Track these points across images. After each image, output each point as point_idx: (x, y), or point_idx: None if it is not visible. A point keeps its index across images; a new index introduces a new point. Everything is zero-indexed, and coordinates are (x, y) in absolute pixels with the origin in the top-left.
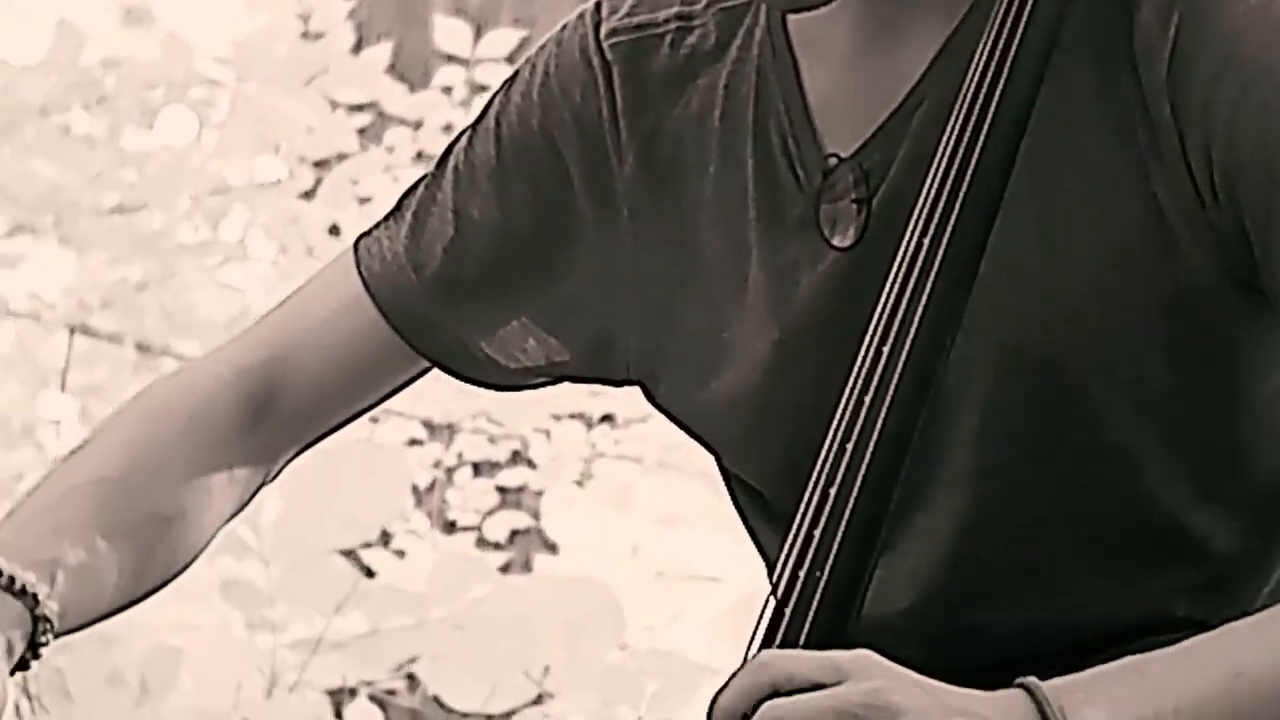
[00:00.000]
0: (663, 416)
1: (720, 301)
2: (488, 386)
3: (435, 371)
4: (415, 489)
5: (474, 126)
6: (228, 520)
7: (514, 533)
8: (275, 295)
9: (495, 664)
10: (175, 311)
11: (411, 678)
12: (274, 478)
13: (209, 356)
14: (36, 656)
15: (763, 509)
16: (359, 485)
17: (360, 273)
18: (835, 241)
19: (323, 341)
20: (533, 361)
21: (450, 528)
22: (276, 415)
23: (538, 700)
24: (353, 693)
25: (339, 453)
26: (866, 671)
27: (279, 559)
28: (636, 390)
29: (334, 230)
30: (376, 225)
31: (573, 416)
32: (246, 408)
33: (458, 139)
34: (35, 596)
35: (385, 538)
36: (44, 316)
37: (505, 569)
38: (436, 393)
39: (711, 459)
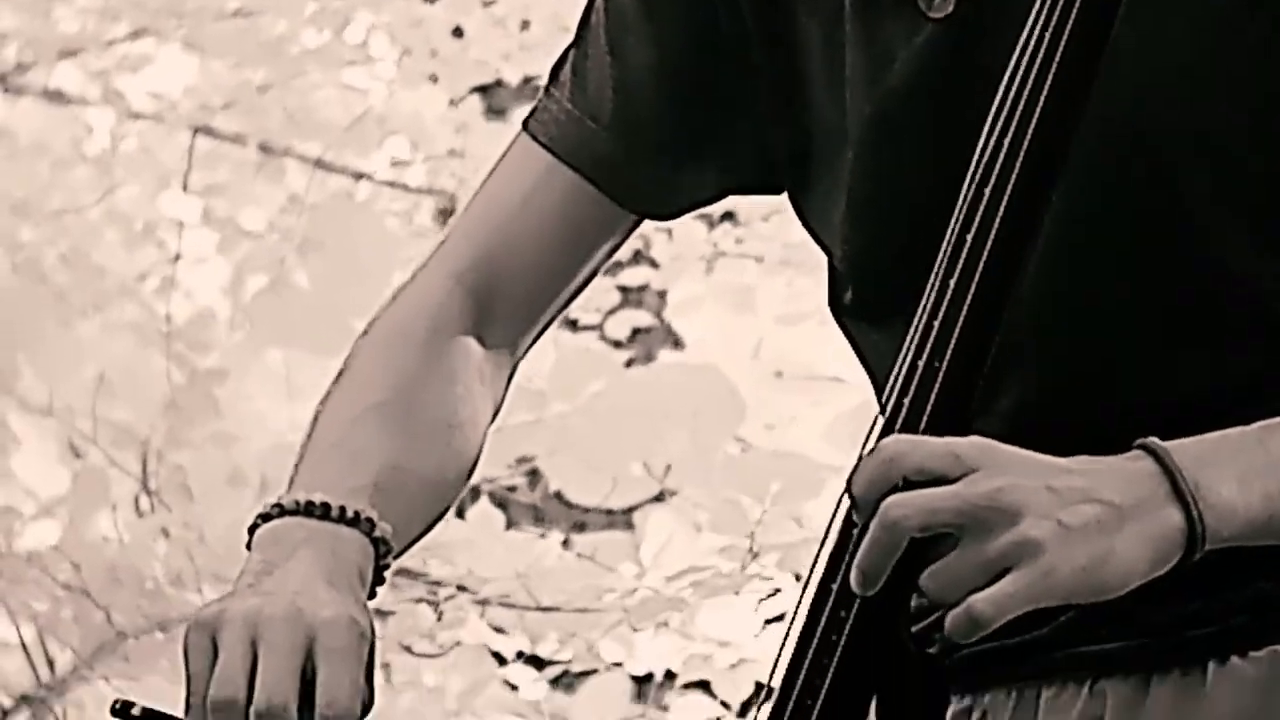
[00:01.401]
0: (785, 214)
1: (825, 94)
2: (671, 218)
3: None
4: None
5: None
6: (491, 421)
7: (635, 331)
8: (398, 98)
9: (616, 458)
10: (297, 113)
11: (533, 474)
12: (514, 370)
13: (422, 273)
14: (380, 582)
15: (870, 313)
16: None
17: (542, 143)
18: (933, 13)
19: (527, 223)
20: (709, 188)
21: (572, 326)
22: (503, 307)
23: (659, 497)
24: (474, 491)
25: None
26: (991, 465)
27: None
28: None
29: (457, 32)
30: (537, 103)
31: (694, 215)
32: (473, 309)
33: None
34: (370, 520)
35: None
36: (167, 118)
37: (627, 366)
38: None
39: None
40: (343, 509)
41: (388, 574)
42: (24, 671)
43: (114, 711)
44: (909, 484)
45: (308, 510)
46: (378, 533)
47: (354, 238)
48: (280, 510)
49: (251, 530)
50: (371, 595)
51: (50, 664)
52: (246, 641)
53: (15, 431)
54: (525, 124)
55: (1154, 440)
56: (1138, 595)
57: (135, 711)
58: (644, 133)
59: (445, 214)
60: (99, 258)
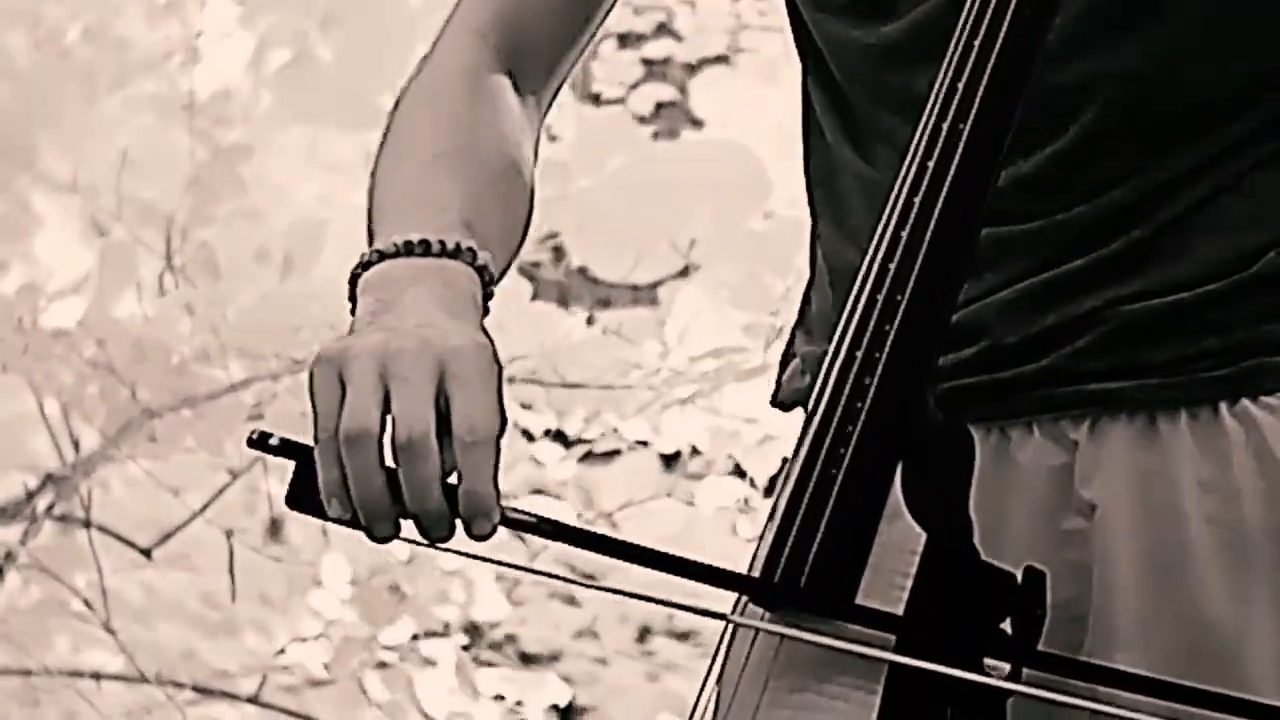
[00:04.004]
0: None
1: None
2: None
3: None
4: None
5: None
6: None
7: (659, 105)
8: None
9: (641, 233)
10: None
11: (558, 250)
12: (541, 125)
13: (443, 37)
14: (486, 312)
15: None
16: None
17: None
18: None
19: None
20: None
21: (595, 100)
22: (526, 60)
23: (684, 272)
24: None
25: None
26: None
27: None
28: None
29: None
30: None
31: None
32: (502, 62)
33: None
34: (471, 250)
35: None
36: None
37: (653, 139)
38: None
39: None
40: (443, 243)
41: (491, 303)
42: (49, 450)
43: (251, 443)
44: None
45: (408, 250)
46: (480, 261)
47: (376, 10)
48: (380, 255)
49: (353, 282)
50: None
51: (75, 443)
52: (376, 374)
53: (38, 210)
54: None
55: None
56: (1140, 334)
57: (273, 441)
58: None
59: None
60: (121, 31)
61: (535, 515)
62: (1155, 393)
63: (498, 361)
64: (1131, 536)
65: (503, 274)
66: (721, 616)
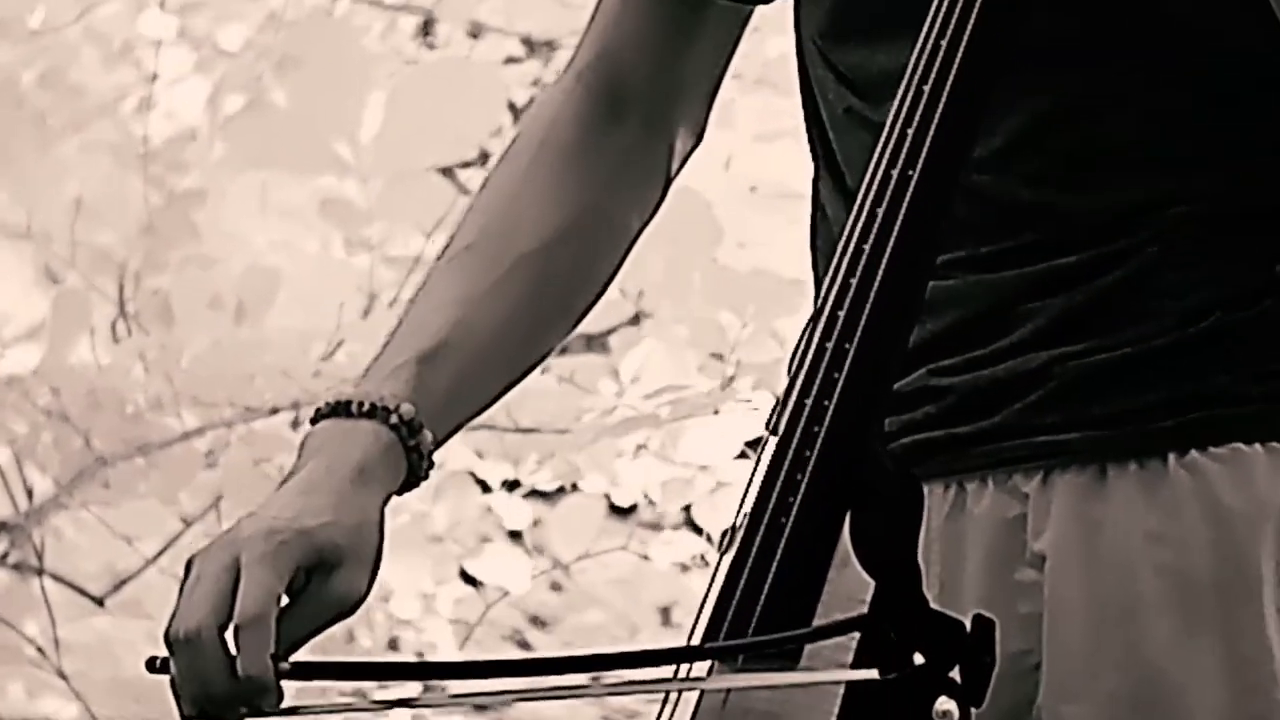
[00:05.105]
0: (763, 30)
1: None
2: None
3: None
4: (513, 106)
5: None
6: (641, 226)
7: None
8: None
9: None
10: None
11: None
12: (678, 169)
13: (553, 85)
14: (421, 459)
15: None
16: (456, 103)
17: None
18: None
19: (635, 27)
20: None
21: None
22: (634, 90)
23: (635, 319)
24: None
25: (437, 71)
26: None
27: (377, 176)
28: None
29: None
30: None
31: None
32: (599, 104)
33: None
34: (386, 409)
35: (484, 157)
36: None
37: None
38: (535, 9)
39: None
40: (361, 404)
41: (431, 449)
42: (2, 498)
43: (151, 669)
44: None
45: (330, 412)
46: (393, 420)
47: (332, 56)
48: (318, 414)
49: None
50: (414, 478)
51: (29, 491)
52: (194, 576)
53: None
54: None
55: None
56: (1090, 387)
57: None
58: None
59: (424, 30)
60: (76, 77)
61: (332, 663)
62: (1105, 445)
63: (346, 531)
64: (1081, 587)
65: (520, 378)
66: (662, 683)
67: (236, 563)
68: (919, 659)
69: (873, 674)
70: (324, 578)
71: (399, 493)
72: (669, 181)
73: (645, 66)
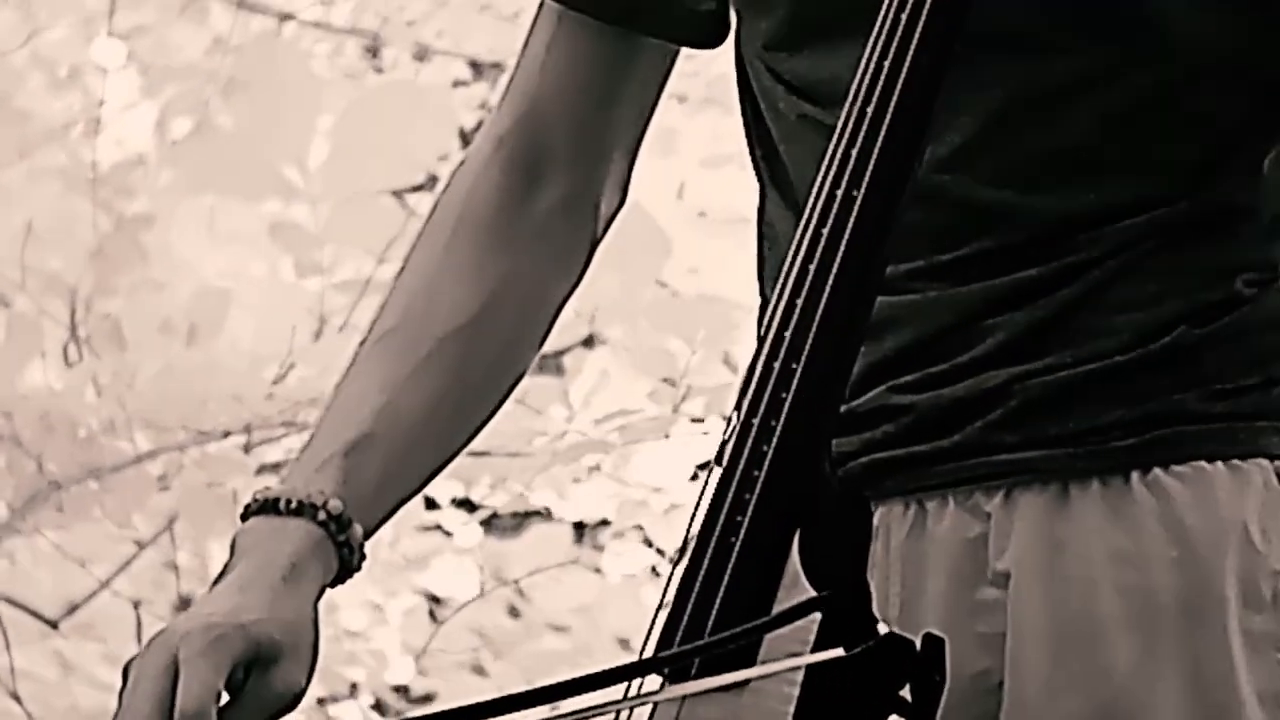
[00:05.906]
0: (708, 53)
1: None
2: (699, 46)
3: (479, 5)
4: (461, 131)
5: None
6: (567, 292)
7: None
8: None
9: None
10: None
11: None
12: (604, 231)
13: (471, 148)
14: (351, 554)
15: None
16: (405, 127)
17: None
18: None
19: (557, 75)
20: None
21: None
22: (557, 152)
23: (588, 342)
24: None
25: (385, 94)
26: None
27: (326, 200)
28: None
29: None
30: None
31: None
32: (518, 173)
33: None
34: (314, 506)
35: (432, 181)
36: None
37: None
38: (482, 30)
39: None
40: (289, 501)
41: (361, 541)
42: None
43: None
44: None
45: (260, 509)
46: (321, 516)
47: (279, 79)
48: (247, 510)
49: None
50: (346, 571)
51: None
52: (133, 676)
53: None
54: None
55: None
56: (1052, 405)
57: None
58: None
59: (371, 53)
60: (23, 102)
61: None
62: (1067, 463)
63: (286, 629)
64: (1043, 606)
65: (453, 456)
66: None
67: (174, 662)
68: (883, 629)
69: (838, 652)
70: (262, 673)
71: (331, 585)
72: (595, 245)
73: (568, 123)
